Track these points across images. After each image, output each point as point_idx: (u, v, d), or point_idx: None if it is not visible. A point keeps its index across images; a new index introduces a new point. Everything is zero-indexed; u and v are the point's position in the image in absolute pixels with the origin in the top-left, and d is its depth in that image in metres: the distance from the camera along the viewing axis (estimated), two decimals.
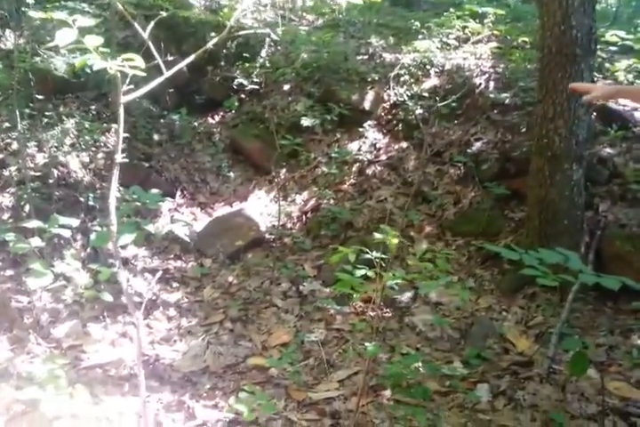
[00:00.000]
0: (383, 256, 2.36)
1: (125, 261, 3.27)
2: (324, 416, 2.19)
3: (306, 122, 4.59)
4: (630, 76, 4.48)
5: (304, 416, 2.18)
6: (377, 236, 2.49)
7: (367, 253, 2.26)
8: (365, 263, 2.26)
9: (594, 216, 3.09)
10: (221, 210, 4.03)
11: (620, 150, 3.61)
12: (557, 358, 2.33)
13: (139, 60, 1.35)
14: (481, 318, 2.67)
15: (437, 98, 4.53)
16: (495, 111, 4.41)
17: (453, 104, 4.54)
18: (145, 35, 1.53)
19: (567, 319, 2.43)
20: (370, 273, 2.31)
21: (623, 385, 2.18)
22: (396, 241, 2.51)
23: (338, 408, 2.22)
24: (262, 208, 3.98)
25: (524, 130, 4.02)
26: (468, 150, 4.06)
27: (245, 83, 5.07)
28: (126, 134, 3.68)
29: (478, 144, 4.11)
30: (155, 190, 2.88)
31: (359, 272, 2.32)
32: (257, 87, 5.10)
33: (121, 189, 2.89)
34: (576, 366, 2.15)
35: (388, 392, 2.27)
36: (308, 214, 3.84)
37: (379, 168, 4.16)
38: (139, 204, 2.94)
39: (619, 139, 3.70)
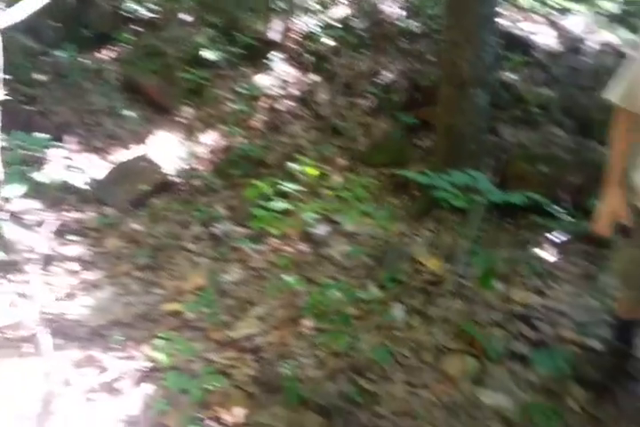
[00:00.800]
0: (300, 188, 2.27)
1: (12, 215, 2.93)
2: (245, 353, 2.17)
3: (209, 54, 4.24)
4: (536, 4, 4.53)
5: (224, 355, 2.15)
6: (293, 166, 2.38)
7: (283, 185, 2.15)
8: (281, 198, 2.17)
9: (498, 140, 3.18)
10: (120, 154, 3.70)
11: (523, 75, 3.70)
12: (466, 274, 2.45)
13: None
14: (394, 243, 2.73)
15: (346, 27, 4.35)
16: (404, 40, 4.32)
17: (362, 33, 4.38)
18: None
19: (474, 238, 2.53)
20: (288, 206, 2.22)
21: (524, 293, 2.35)
22: (314, 171, 2.41)
23: (259, 344, 2.20)
24: (166, 150, 3.70)
25: (432, 59, 3.98)
26: (378, 81, 3.97)
27: (139, 10, 4.53)
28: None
29: (388, 74, 4.03)
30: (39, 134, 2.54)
31: (276, 205, 2.22)
32: (153, 16, 4.59)
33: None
34: (485, 280, 2.29)
35: (308, 322, 2.28)
36: (218, 154, 3.63)
37: (289, 103, 3.98)
38: (23, 151, 2.59)
39: (521, 64, 3.78)
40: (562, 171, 2.87)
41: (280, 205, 2.08)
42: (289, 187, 2.16)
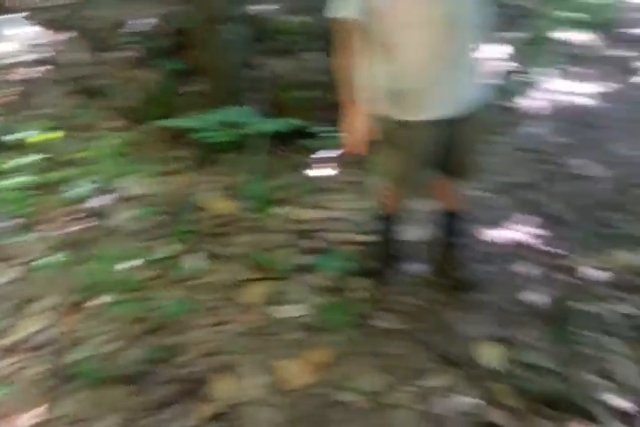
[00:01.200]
0: (42, 156, 2.00)
1: None
2: (34, 351, 1.96)
3: None
4: None
5: (9, 362, 1.92)
6: (26, 137, 2.09)
7: (12, 159, 1.87)
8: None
9: (264, 73, 3.18)
10: None
11: (280, 6, 3.69)
12: (252, 207, 2.48)
13: None
14: (184, 195, 2.65)
15: None
16: None
17: None
18: None
19: (254, 171, 2.56)
20: (32, 178, 1.97)
21: (304, 211, 2.48)
22: (57, 135, 2.15)
23: (48, 337, 2.01)
24: None
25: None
26: (139, 30, 3.66)
27: None
28: None
29: (147, 21, 3.73)
30: None
31: (11, 182, 1.96)
32: None
33: None
34: (265, 209, 2.37)
35: (100, 300, 2.13)
36: None
37: (43, 68, 3.48)
38: None
39: None
40: (323, 93, 2.98)
41: (16, 180, 1.83)
42: (24, 161, 1.90)
